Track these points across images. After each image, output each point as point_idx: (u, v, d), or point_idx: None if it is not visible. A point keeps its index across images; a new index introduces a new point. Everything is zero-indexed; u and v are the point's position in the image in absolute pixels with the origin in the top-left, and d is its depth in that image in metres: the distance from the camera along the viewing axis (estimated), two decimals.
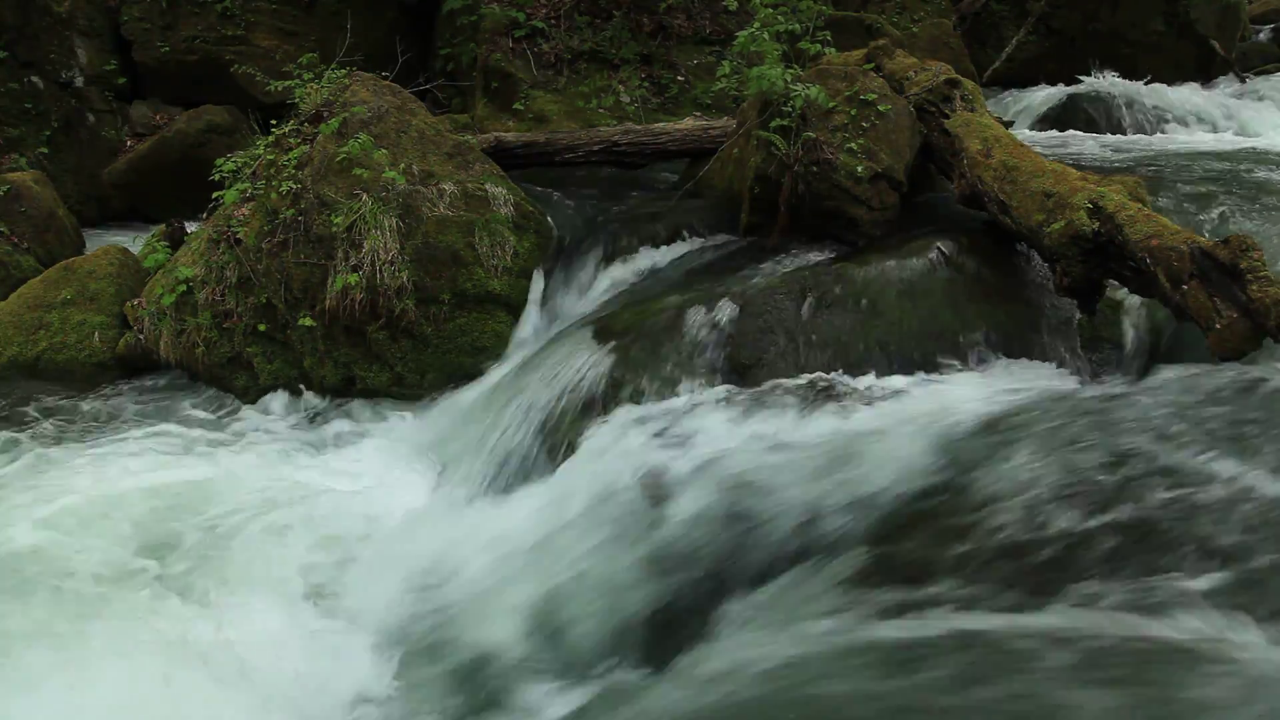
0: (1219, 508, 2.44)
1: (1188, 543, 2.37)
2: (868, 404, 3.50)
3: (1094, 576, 2.37)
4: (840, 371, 3.81)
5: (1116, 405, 3.07)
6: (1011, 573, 2.50)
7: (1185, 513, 2.46)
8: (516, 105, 7.46)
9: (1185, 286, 3.25)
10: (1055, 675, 2.08)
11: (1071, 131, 8.38)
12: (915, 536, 2.78)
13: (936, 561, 2.62)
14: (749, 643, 2.66)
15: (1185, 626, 2.16)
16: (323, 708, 2.94)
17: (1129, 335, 4.11)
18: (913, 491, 2.96)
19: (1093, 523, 2.52)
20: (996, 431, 3.11)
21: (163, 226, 5.95)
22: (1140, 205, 3.72)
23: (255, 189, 5.14)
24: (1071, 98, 8.81)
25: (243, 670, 3.01)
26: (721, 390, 3.76)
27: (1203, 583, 2.25)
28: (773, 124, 4.66)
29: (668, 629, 2.96)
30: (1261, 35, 11.35)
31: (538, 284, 5.10)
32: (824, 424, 3.39)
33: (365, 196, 4.77)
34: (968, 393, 3.54)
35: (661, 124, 6.37)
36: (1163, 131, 8.23)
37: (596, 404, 3.95)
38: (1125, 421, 2.91)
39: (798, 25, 5.13)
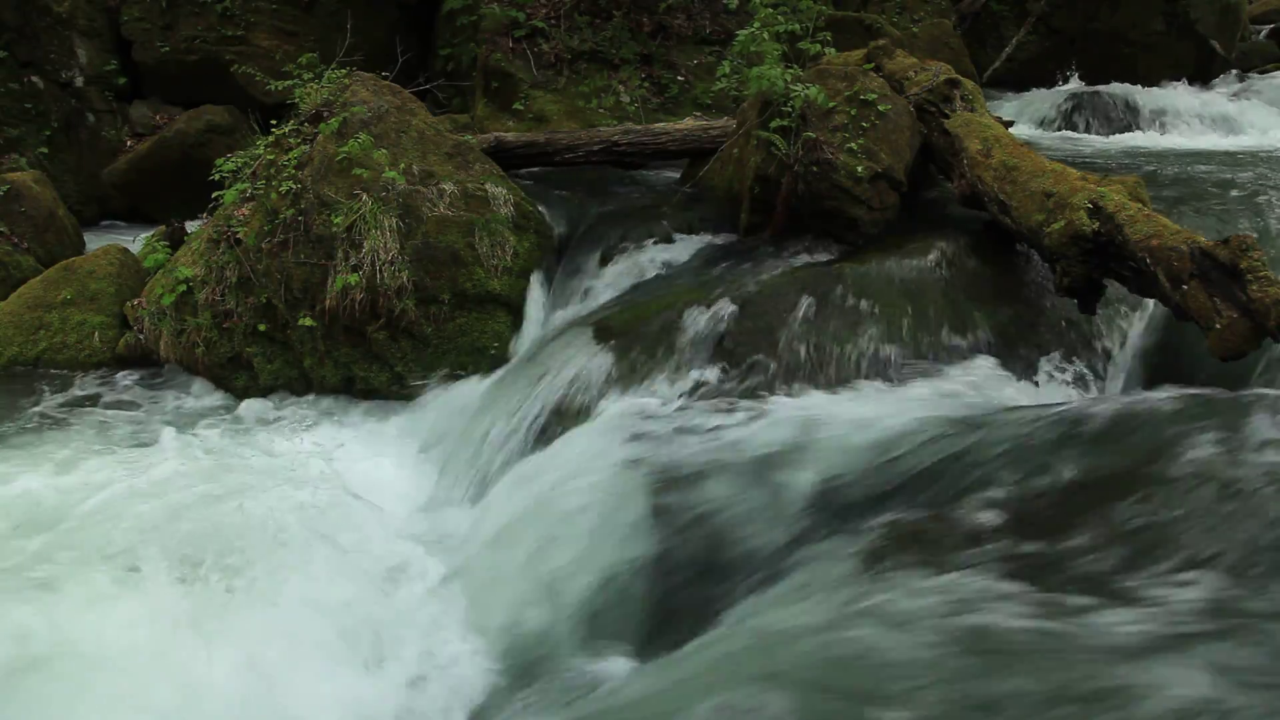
0: None
1: None
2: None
3: None
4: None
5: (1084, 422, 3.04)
6: None
7: None
8: (516, 105, 7.46)
9: (1185, 286, 3.25)
10: None
11: (1072, 131, 8.38)
12: None
13: None
14: None
15: None
16: None
17: (1131, 337, 4.11)
18: None
19: None
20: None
21: (163, 226, 5.95)
22: (1140, 205, 3.72)
23: (255, 189, 5.14)
24: (1072, 98, 8.81)
25: None
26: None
27: None
28: (773, 124, 4.66)
29: None
30: (1261, 35, 11.35)
31: (538, 284, 5.10)
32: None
33: (365, 196, 4.77)
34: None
35: (661, 124, 6.37)
36: (1162, 131, 8.23)
37: (594, 402, 3.95)
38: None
39: (798, 25, 5.13)
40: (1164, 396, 3.04)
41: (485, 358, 4.87)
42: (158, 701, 2.83)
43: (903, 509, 2.92)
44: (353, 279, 4.65)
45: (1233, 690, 1.79)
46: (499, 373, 4.76)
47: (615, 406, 3.82)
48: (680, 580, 3.08)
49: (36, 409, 4.89)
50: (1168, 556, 2.30)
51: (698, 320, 4.12)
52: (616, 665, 2.90)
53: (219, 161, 5.44)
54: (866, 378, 3.84)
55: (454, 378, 4.86)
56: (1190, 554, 2.28)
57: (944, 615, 2.21)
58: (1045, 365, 4.00)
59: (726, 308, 4.13)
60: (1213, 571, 2.21)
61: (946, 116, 4.82)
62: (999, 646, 2.09)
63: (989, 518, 2.67)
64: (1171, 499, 2.47)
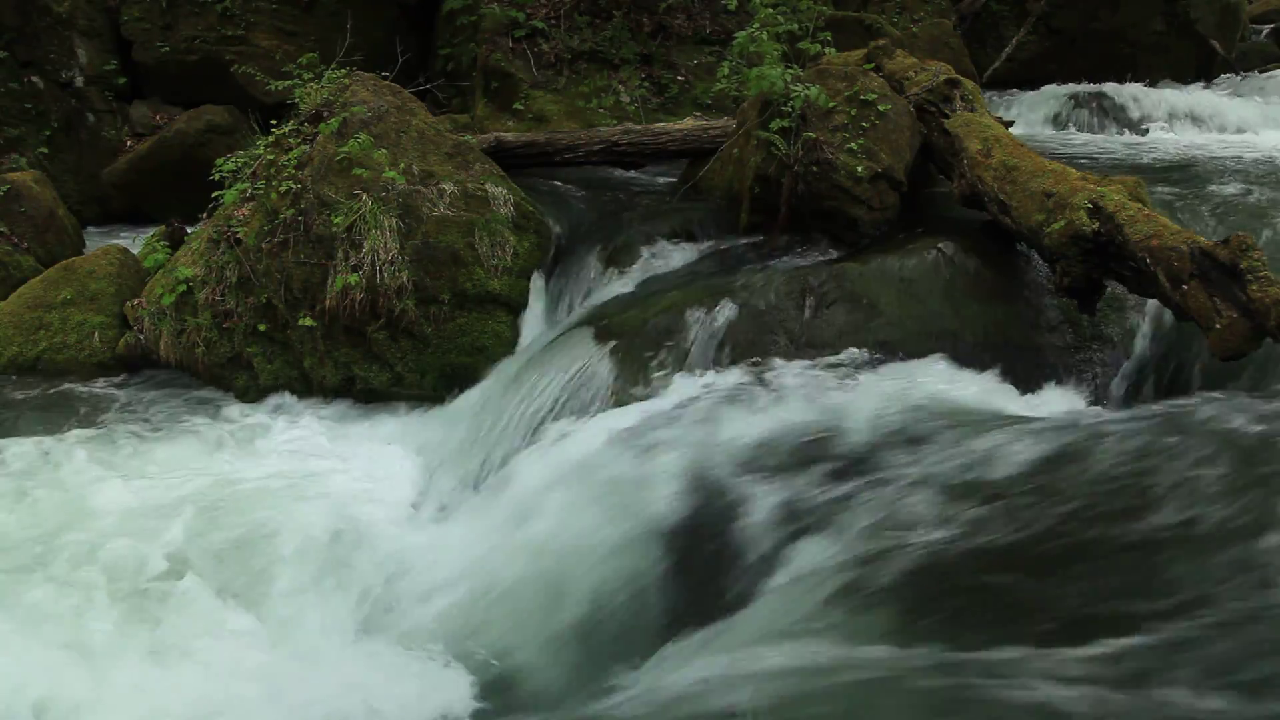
0: None
1: None
2: None
3: None
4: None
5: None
6: None
7: None
8: (516, 105, 7.45)
9: (1185, 286, 3.25)
10: None
11: (1071, 131, 8.39)
12: None
13: None
14: None
15: None
16: None
17: (1132, 337, 4.11)
18: None
19: None
20: None
21: (163, 226, 5.95)
22: (1140, 205, 3.72)
23: (255, 189, 5.14)
24: (1071, 98, 8.81)
25: None
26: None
27: None
28: (773, 124, 4.66)
29: None
30: (1262, 35, 11.35)
31: (538, 284, 5.09)
32: None
33: (365, 196, 4.77)
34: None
35: (661, 124, 6.36)
36: (1161, 131, 8.23)
37: (595, 404, 3.95)
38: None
39: (797, 25, 5.13)
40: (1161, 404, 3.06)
41: (485, 358, 4.87)
42: None
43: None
44: (353, 279, 4.65)
45: None
46: (499, 373, 4.76)
47: (616, 406, 3.82)
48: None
49: (36, 410, 4.89)
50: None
51: (699, 320, 4.12)
52: None
53: (219, 161, 5.44)
54: (867, 377, 3.84)
55: (454, 378, 4.86)
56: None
57: None
58: (1045, 366, 3.99)
59: (727, 307, 4.13)
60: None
61: (946, 116, 4.82)
62: None
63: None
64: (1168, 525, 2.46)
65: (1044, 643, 2.16)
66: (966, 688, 2.11)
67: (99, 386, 5.16)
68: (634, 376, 3.98)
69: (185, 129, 7.87)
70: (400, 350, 4.86)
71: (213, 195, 5.35)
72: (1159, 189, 4.90)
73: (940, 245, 4.35)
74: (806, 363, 3.88)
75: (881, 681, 2.21)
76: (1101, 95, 8.74)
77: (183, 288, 5.14)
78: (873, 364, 3.89)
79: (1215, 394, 3.34)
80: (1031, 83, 9.40)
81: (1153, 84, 9.15)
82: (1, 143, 7.74)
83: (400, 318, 4.76)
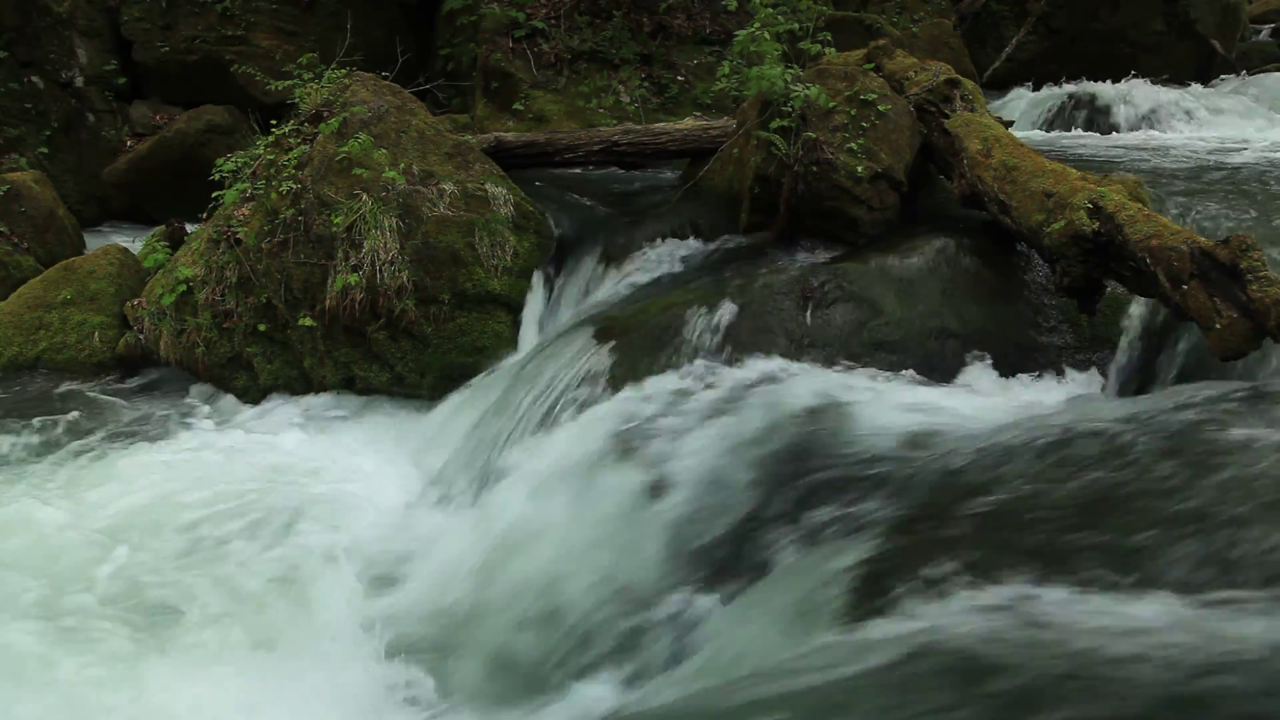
0: None
1: None
2: None
3: None
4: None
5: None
6: None
7: None
8: (516, 105, 7.46)
9: (1185, 287, 3.25)
10: None
11: (1070, 131, 8.39)
12: None
13: None
14: None
15: None
16: None
17: (1131, 335, 4.10)
18: None
19: None
20: None
21: (163, 226, 5.96)
22: (1140, 205, 3.72)
23: (255, 189, 5.15)
24: (1070, 97, 8.82)
25: None
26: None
27: None
28: (773, 124, 4.66)
29: None
30: (1261, 35, 11.36)
31: (538, 284, 5.10)
32: None
33: (365, 196, 4.77)
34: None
35: (661, 124, 6.36)
36: (1161, 130, 8.23)
37: (593, 404, 3.95)
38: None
39: (797, 25, 5.12)
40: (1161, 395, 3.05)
41: (485, 358, 4.88)
42: None
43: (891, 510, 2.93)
44: (353, 279, 4.65)
45: None
46: (499, 372, 4.76)
47: (617, 406, 3.82)
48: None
49: (35, 409, 4.90)
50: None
51: (699, 320, 4.11)
52: None
53: (219, 161, 5.44)
54: (868, 377, 3.84)
55: (454, 378, 4.86)
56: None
57: None
58: (1044, 365, 3.99)
59: (727, 307, 4.13)
60: None
61: (946, 116, 4.82)
62: None
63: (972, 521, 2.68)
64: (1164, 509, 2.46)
65: None
66: None
67: (99, 386, 5.17)
68: (634, 377, 3.97)
69: (185, 129, 7.87)
70: (400, 350, 4.86)
71: (213, 195, 5.36)
72: (1152, 188, 4.90)
73: (940, 245, 4.35)
74: (807, 363, 3.88)
75: None
76: (1097, 95, 8.74)
77: (183, 288, 5.14)
78: (876, 363, 3.89)
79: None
80: (1031, 83, 9.40)
81: (1152, 84, 9.13)
82: (1, 143, 7.74)
83: (400, 318, 4.76)
